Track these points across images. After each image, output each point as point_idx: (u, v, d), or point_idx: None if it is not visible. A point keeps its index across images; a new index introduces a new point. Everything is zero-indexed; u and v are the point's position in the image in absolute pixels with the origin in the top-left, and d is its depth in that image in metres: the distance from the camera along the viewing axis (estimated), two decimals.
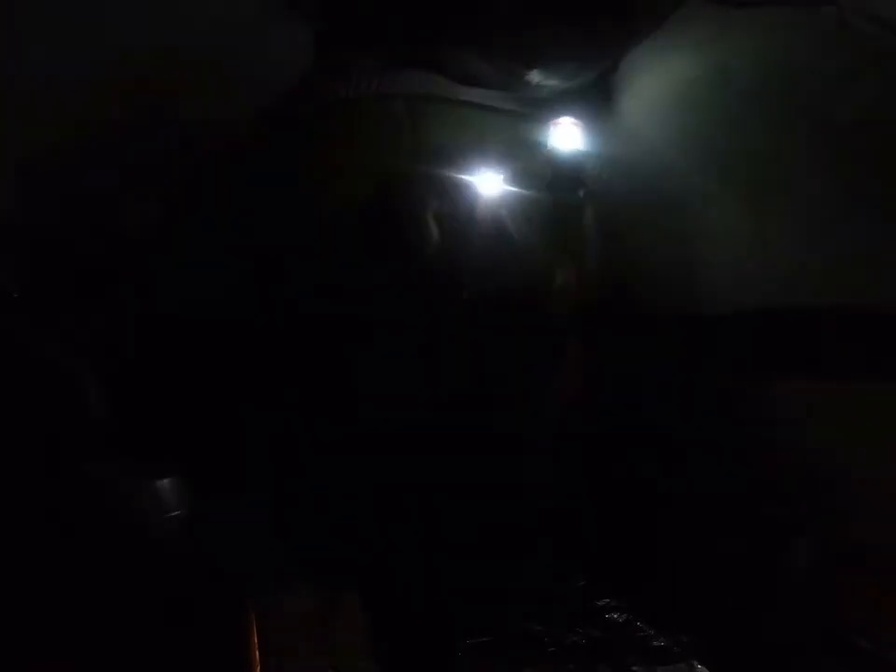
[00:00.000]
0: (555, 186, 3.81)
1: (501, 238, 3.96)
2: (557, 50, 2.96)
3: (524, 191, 3.83)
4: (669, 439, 3.75)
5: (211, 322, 3.51)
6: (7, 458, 2.13)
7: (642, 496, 3.69)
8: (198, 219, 3.46)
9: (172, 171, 3.08)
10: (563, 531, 3.78)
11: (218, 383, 3.52)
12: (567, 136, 3.62)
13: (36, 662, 1.79)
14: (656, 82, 3.22)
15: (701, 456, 3.50)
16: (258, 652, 2.13)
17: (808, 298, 2.77)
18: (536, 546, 3.72)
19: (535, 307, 4.27)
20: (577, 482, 4.08)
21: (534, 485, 4.13)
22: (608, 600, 3.25)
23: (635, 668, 2.78)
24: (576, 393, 4.16)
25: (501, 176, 3.81)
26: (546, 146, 3.70)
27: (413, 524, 3.65)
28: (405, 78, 3.45)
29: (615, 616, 3.15)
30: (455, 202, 3.84)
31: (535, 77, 3.10)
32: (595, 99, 3.40)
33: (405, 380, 3.99)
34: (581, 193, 3.87)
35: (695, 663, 2.78)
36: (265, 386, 3.70)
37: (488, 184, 3.83)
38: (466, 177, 3.76)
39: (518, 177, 3.85)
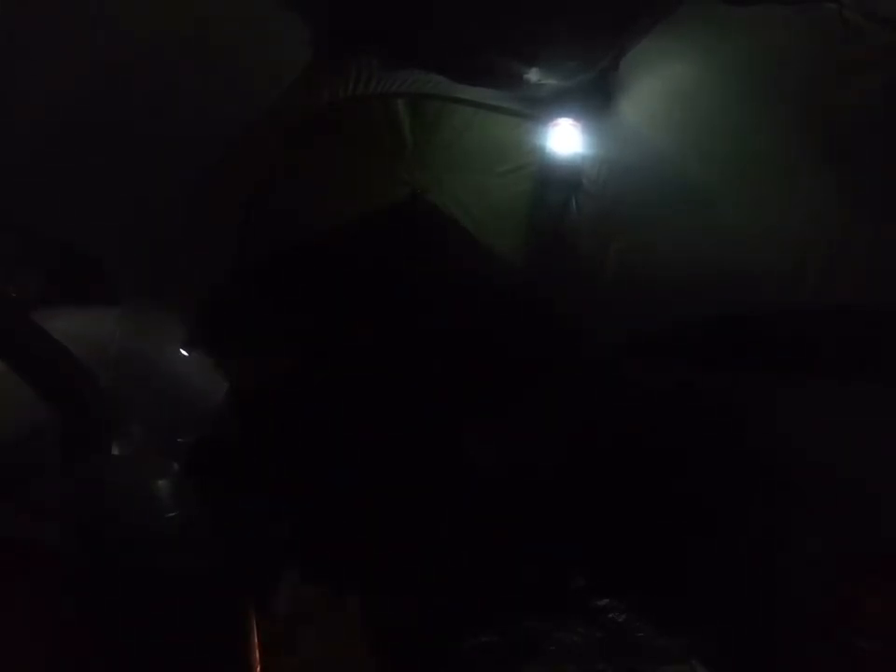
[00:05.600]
0: (553, 186, 3.81)
1: None
2: (557, 49, 2.96)
3: None
4: (672, 439, 3.75)
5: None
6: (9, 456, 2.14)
7: (644, 495, 3.68)
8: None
9: (174, 172, 3.08)
10: (564, 530, 3.77)
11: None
12: (566, 136, 3.62)
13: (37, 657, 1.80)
14: (656, 82, 3.21)
15: (704, 457, 3.49)
16: (258, 652, 2.13)
17: (809, 297, 2.77)
18: (536, 545, 3.71)
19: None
20: (578, 481, 4.08)
21: (534, 484, 4.12)
22: (608, 600, 3.25)
23: (635, 668, 2.78)
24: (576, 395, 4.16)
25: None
26: (545, 145, 3.69)
27: (414, 523, 3.65)
28: (405, 78, 3.45)
29: (615, 616, 3.15)
30: None
31: (534, 75, 3.10)
32: (594, 98, 3.40)
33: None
34: (580, 193, 3.87)
35: (695, 663, 2.78)
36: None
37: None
38: None
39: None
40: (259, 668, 2.16)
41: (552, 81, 3.19)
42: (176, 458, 2.30)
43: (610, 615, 3.15)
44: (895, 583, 2.44)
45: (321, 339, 4.08)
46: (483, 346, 4.27)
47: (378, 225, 3.94)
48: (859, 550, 2.59)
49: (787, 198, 2.81)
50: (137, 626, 1.89)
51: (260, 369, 3.80)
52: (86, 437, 2.32)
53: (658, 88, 3.23)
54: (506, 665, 2.83)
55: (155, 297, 3.43)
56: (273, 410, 3.84)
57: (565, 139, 3.63)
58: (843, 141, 2.49)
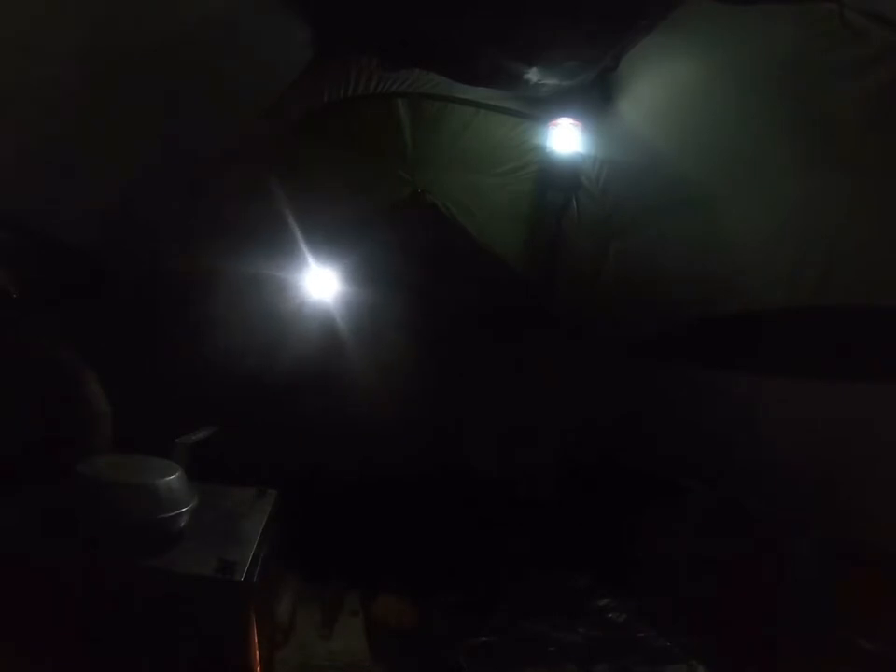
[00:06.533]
0: (553, 186, 3.81)
1: None
2: (557, 49, 2.95)
3: None
4: (670, 439, 3.75)
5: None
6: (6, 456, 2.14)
7: (643, 494, 3.68)
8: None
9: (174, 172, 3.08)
10: (563, 530, 3.77)
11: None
12: (566, 136, 3.62)
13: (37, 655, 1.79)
14: (656, 82, 3.22)
15: (702, 457, 3.49)
16: (258, 652, 2.12)
17: (809, 297, 2.77)
18: (536, 545, 3.72)
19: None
20: (578, 480, 4.08)
21: (533, 483, 4.12)
22: (608, 600, 3.25)
23: (635, 668, 2.78)
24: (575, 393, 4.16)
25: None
26: (545, 145, 3.69)
27: (414, 523, 3.65)
28: (405, 78, 3.45)
29: (615, 616, 3.15)
30: None
31: (534, 75, 3.10)
32: (594, 98, 3.40)
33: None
34: (580, 193, 3.87)
35: (695, 663, 2.78)
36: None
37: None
38: None
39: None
40: (259, 668, 2.15)
41: (552, 81, 3.19)
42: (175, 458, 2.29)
43: (610, 615, 3.15)
44: (894, 583, 2.43)
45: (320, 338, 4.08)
46: (482, 346, 4.27)
47: (377, 225, 3.94)
48: (858, 550, 2.59)
49: (787, 198, 2.81)
50: (135, 627, 1.88)
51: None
52: (85, 435, 2.32)
53: (658, 88, 3.23)
54: (506, 665, 2.83)
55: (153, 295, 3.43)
56: (265, 403, 3.84)
57: (565, 139, 3.63)
58: (843, 141, 2.48)
